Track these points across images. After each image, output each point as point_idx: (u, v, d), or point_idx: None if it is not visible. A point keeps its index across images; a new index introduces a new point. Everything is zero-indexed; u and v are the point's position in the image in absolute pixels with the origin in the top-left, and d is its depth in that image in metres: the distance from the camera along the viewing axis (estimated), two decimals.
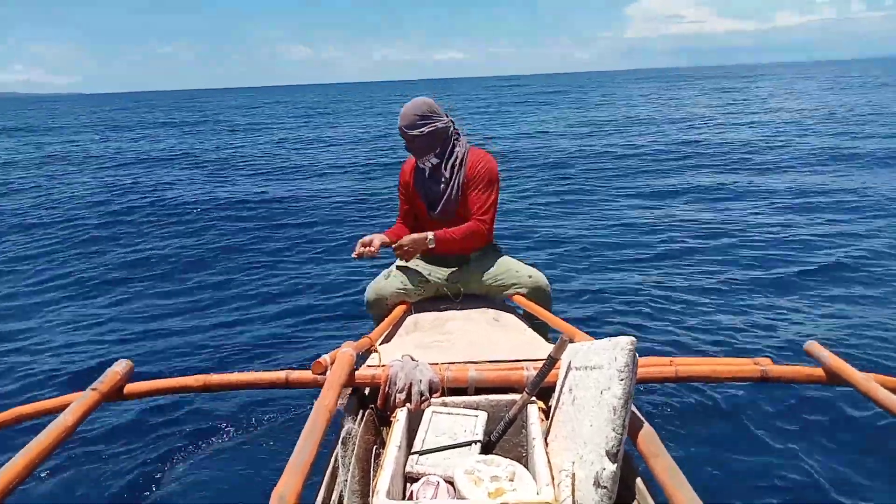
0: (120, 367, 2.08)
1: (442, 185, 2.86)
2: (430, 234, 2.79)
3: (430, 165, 2.85)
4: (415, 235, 2.82)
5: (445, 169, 2.84)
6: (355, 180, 11.99)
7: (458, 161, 2.84)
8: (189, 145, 20.21)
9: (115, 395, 2.02)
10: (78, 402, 1.84)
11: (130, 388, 2.06)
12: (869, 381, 1.78)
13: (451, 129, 2.86)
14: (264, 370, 2.12)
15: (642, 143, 15.61)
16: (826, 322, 4.39)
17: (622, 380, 1.47)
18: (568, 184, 10.74)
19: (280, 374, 2.08)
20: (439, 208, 2.88)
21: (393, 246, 2.83)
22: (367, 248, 2.83)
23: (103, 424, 3.34)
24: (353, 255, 2.86)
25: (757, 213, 7.98)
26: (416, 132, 2.76)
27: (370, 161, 14.65)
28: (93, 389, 1.93)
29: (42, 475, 2.89)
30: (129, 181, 12.84)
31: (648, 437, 1.52)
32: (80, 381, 3.93)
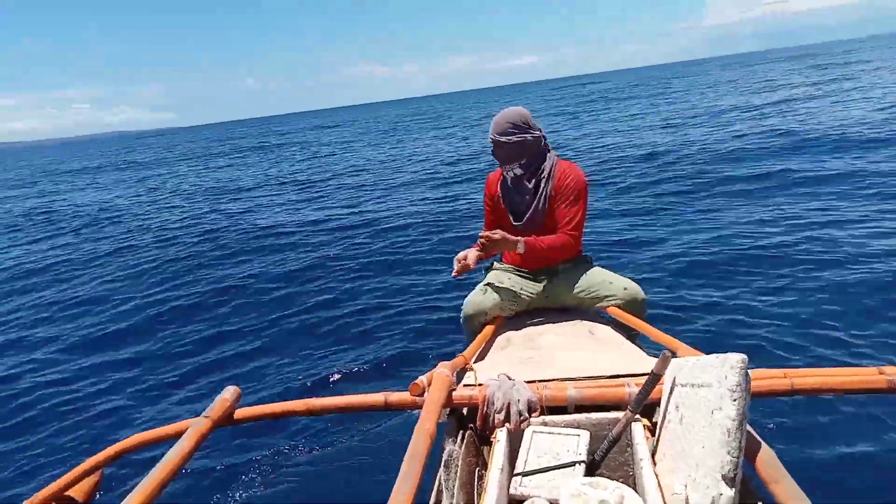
0: (229, 393, 2.18)
1: (528, 197, 2.84)
2: (521, 239, 2.76)
3: (513, 175, 2.84)
4: (506, 234, 2.77)
5: (530, 180, 2.82)
6: (440, 193, 12.10)
7: (545, 173, 2.81)
8: (277, 169, 21.11)
9: (226, 420, 2.12)
10: (193, 428, 1.94)
11: (240, 413, 2.16)
12: None
13: (543, 142, 2.85)
14: (363, 392, 2.16)
15: (741, 131, 14.76)
16: None
17: (735, 399, 1.39)
18: (660, 183, 10.35)
19: (379, 397, 2.11)
20: (525, 219, 2.86)
21: (480, 234, 2.78)
22: (464, 262, 2.86)
23: (215, 449, 3.52)
24: (453, 275, 2.90)
25: (878, 204, 7.33)
26: (505, 139, 2.78)
27: (454, 173, 14.77)
28: (206, 417, 2.03)
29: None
30: (224, 206, 13.55)
31: (768, 460, 1.43)
32: (184, 405, 4.17)
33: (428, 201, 11.56)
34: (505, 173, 2.88)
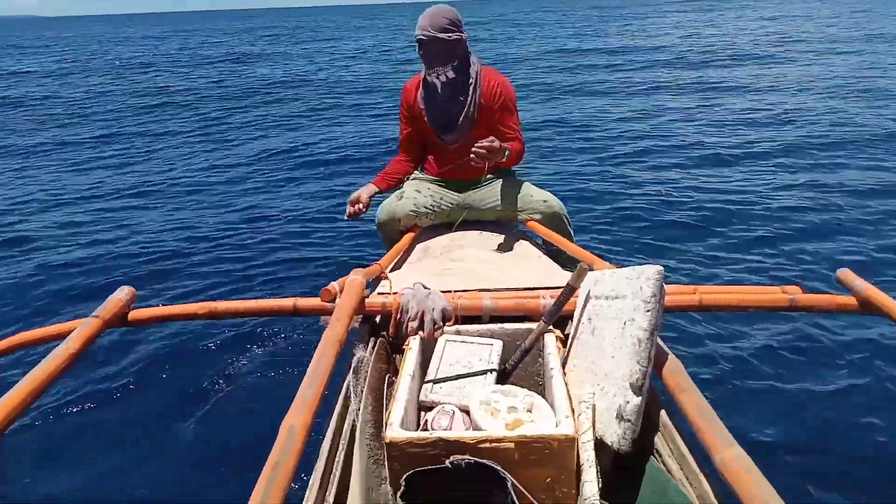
0: (123, 293, 2.03)
1: (456, 105, 2.69)
2: (507, 147, 2.50)
3: (444, 79, 2.64)
4: (500, 145, 2.41)
5: (461, 87, 2.67)
6: (351, 98, 11.64)
7: (472, 80, 2.67)
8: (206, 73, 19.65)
9: (119, 321, 1.98)
10: (81, 328, 1.80)
11: (134, 314, 2.02)
12: None
13: (467, 47, 2.68)
14: (271, 298, 2.06)
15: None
16: (863, 249, 4.24)
17: (648, 311, 1.39)
18: (575, 102, 10.37)
19: (287, 302, 2.02)
20: (455, 130, 2.72)
21: (477, 146, 2.36)
22: (357, 205, 2.71)
23: (106, 352, 3.30)
24: (345, 217, 2.76)
25: (794, 126, 7.60)
26: (444, 36, 2.54)
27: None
28: (95, 317, 1.89)
29: (45, 403, 2.88)
30: (121, 105, 12.58)
31: (675, 371, 1.45)
32: (79, 305, 3.90)
33: (343, 103, 11.13)
34: (433, 77, 2.65)
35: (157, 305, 2.08)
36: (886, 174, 5.87)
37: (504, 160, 2.55)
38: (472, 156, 2.40)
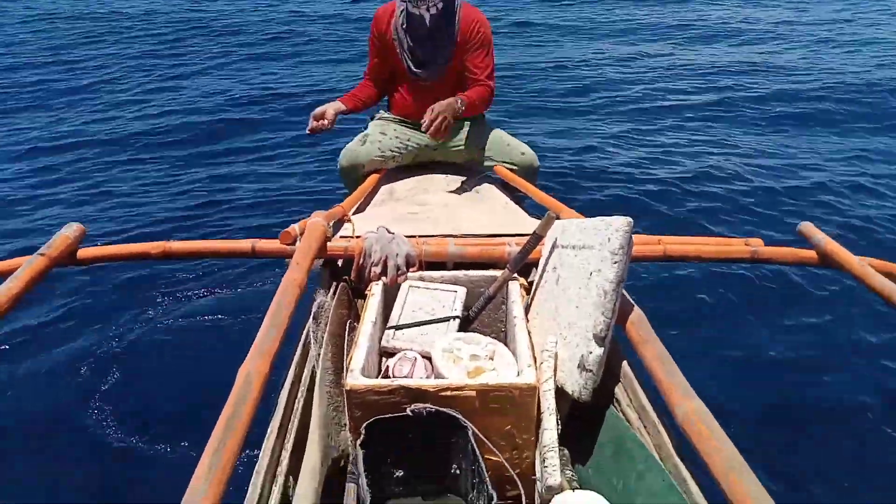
0: (71, 230, 1.94)
1: (437, 41, 2.57)
2: (461, 99, 2.48)
3: (433, 13, 2.49)
4: (447, 101, 2.44)
5: (445, 22, 2.54)
6: (313, 30, 11.14)
7: (454, 16, 2.55)
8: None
9: (67, 259, 1.90)
10: (25, 267, 1.71)
11: (83, 252, 1.94)
12: (864, 266, 1.73)
13: None
14: (229, 239, 1.99)
15: None
16: (824, 204, 4.29)
17: (615, 262, 1.38)
18: (548, 45, 10.14)
19: (246, 244, 1.96)
20: (431, 67, 2.62)
21: (424, 120, 2.41)
22: (321, 121, 2.61)
23: (53, 293, 3.14)
24: (307, 132, 2.65)
25: (763, 82, 7.59)
26: None
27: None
28: (41, 255, 1.80)
29: None
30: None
31: (638, 322, 1.45)
32: (23, 242, 3.71)
33: (311, 32, 10.67)
34: (421, 10, 2.48)
35: (107, 245, 1.99)
36: (852, 131, 5.95)
37: (462, 112, 2.50)
38: (429, 131, 2.41)
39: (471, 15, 2.60)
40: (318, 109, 2.65)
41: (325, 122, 2.63)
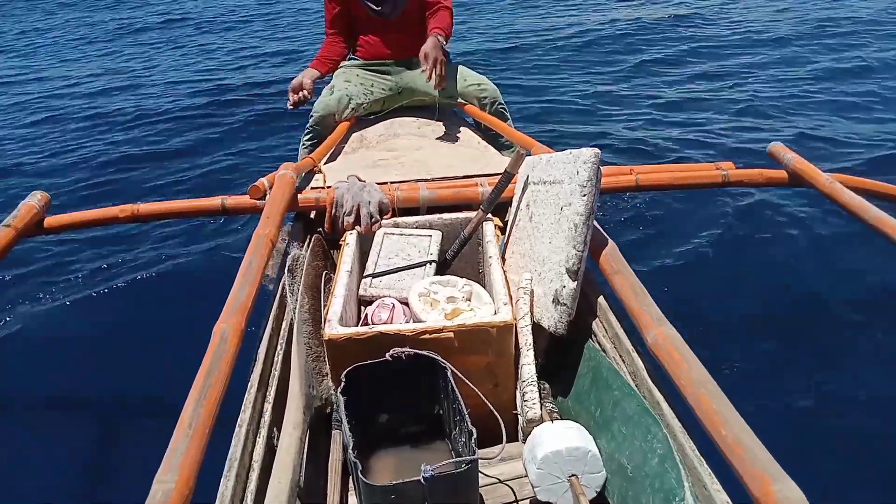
0: (35, 199, 1.90)
1: None
2: (438, 34, 2.41)
3: None
4: (432, 43, 2.37)
5: None
6: None
7: None
8: None
9: (34, 230, 1.87)
10: None
11: (50, 221, 1.91)
12: (832, 183, 1.74)
13: None
14: (198, 198, 1.95)
15: None
16: (793, 124, 4.27)
17: (584, 195, 1.37)
18: None
19: (215, 201, 1.93)
20: (388, 3, 2.54)
21: (427, 68, 2.36)
22: (301, 92, 2.55)
23: (21, 263, 3.06)
24: (289, 107, 2.60)
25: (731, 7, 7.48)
26: None
27: None
28: (6, 226, 1.77)
29: None
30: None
31: (611, 254, 1.46)
32: None
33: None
34: None
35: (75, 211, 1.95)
36: (820, 52, 5.90)
37: (446, 43, 2.46)
38: (434, 80, 2.38)
39: None
40: (295, 81, 2.58)
41: (305, 92, 2.57)
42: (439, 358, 1.28)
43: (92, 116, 5.35)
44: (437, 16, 2.52)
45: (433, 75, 2.37)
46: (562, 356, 1.47)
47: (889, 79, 4.99)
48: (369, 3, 2.57)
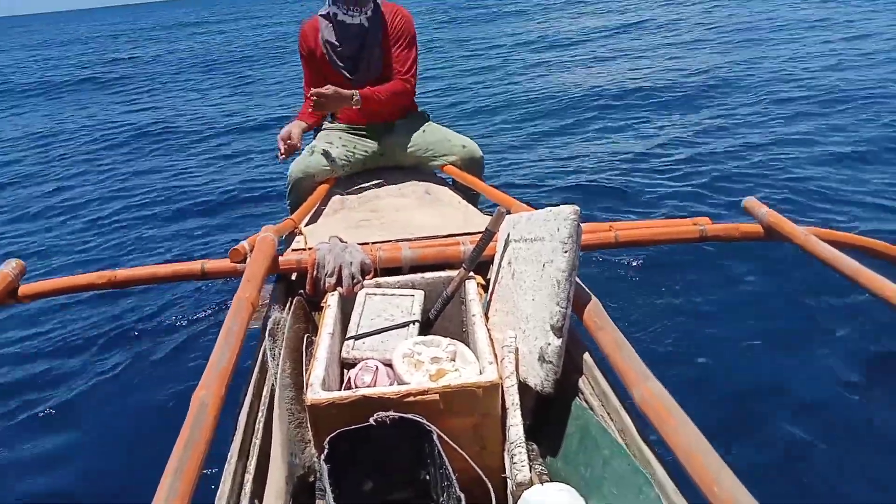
0: (9, 267, 1.87)
1: (364, 44, 2.57)
2: (356, 92, 2.50)
3: (368, 14, 2.52)
4: (338, 89, 2.49)
5: (373, 26, 2.54)
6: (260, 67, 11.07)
7: (380, 17, 2.55)
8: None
9: (8, 297, 1.82)
10: None
11: (25, 289, 1.87)
12: (808, 236, 1.78)
13: None
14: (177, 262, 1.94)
15: None
16: (766, 179, 4.39)
17: (566, 251, 1.38)
18: (486, 48, 10.25)
19: (195, 265, 1.91)
20: (362, 70, 2.61)
21: (309, 94, 2.49)
22: (290, 141, 2.57)
23: None
24: (279, 158, 2.61)
25: (706, 64, 7.78)
26: None
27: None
28: None
29: None
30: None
31: (594, 310, 1.46)
32: None
33: (247, 74, 10.59)
34: (350, 19, 2.51)
35: (50, 278, 1.92)
36: (793, 107, 6.13)
37: (358, 106, 2.52)
38: (311, 100, 2.47)
39: (393, 10, 2.63)
40: (284, 132, 2.61)
41: (294, 141, 2.59)
42: (425, 421, 1.25)
43: (65, 178, 5.35)
44: (389, 82, 2.61)
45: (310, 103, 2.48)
46: (548, 415, 1.45)
47: (865, 132, 5.14)
48: (345, 73, 2.64)
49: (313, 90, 2.46)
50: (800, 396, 2.37)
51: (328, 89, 2.46)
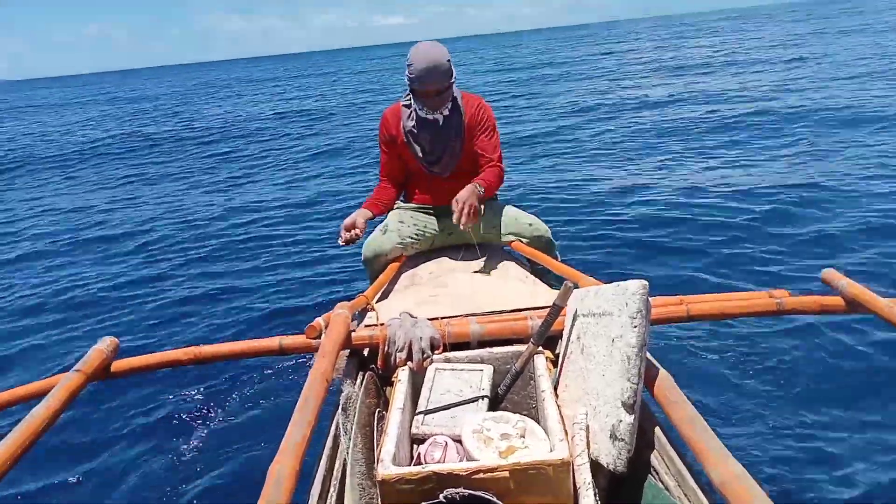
0: (104, 344, 1.99)
1: (446, 137, 2.68)
2: (479, 185, 2.54)
3: (446, 113, 2.63)
4: (469, 190, 2.48)
5: (454, 121, 2.66)
6: (339, 145, 11.66)
7: (461, 111, 2.68)
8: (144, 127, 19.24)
9: (102, 374, 1.93)
10: (62, 384, 1.75)
11: (117, 365, 1.98)
12: (893, 308, 1.69)
13: None
14: (257, 338, 2.02)
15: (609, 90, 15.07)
16: (845, 249, 4.24)
17: (635, 327, 1.37)
18: (555, 133, 10.45)
19: (273, 341, 1.99)
20: (443, 161, 2.72)
21: (454, 213, 2.44)
22: (353, 230, 2.63)
23: (90, 406, 3.17)
24: (340, 244, 2.67)
25: (765, 139, 7.69)
26: (449, 81, 2.54)
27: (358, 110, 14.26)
28: (77, 371, 1.84)
29: (26, 465, 2.76)
30: (87, 166, 12.46)
31: (666, 385, 1.43)
32: (59, 361, 3.82)
33: (323, 152, 11.15)
34: (432, 116, 2.61)
35: (140, 354, 2.03)
36: (865, 173, 5.93)
37: (483, 194, 2.55)
38: (461, 221, 2.44)
39: (472, 102, 2.72)
40: (348, 220, 2.65)
41: (357, 231, 2.63)
42: (494, 498, 1.24)
43: (157, 260, 5.71)
44: (486, 170, 2.67)
45: (462, 216, 2.43)
46: (620, 494, 1.40)
47: None
48: (424, 163, 2.75)
49: (456, 212, 2.44)
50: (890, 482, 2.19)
51: (465, 196, 2.45)
